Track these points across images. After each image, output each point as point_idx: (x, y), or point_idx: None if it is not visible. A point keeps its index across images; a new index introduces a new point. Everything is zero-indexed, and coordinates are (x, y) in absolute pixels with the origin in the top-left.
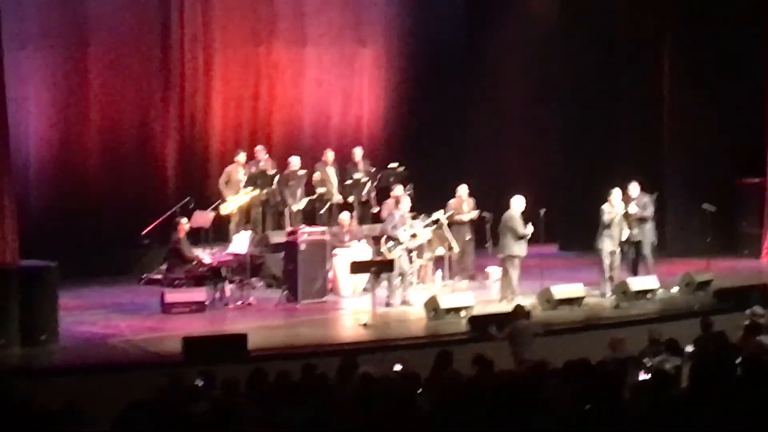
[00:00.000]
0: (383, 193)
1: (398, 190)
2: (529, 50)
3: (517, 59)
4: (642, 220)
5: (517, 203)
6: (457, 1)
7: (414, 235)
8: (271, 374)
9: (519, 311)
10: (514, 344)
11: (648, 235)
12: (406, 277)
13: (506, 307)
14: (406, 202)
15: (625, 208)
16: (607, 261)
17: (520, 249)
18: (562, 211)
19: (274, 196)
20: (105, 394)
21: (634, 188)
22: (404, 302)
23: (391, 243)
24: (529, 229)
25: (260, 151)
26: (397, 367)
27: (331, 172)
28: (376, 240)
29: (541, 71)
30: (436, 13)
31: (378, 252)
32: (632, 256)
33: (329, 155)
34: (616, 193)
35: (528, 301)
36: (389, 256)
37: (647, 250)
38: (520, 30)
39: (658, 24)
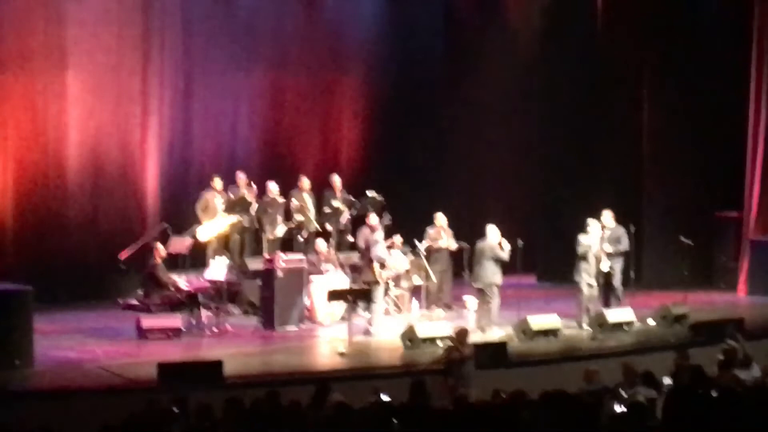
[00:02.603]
0: (360, 222)
1: (373, 218)
2: (509, 80)
3: (496, 90)
4: (616, 254)
5: (493, 232)
6: (436, 30)
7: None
8: (247, 401)
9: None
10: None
11: (618, 267)
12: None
13: (482, 336)
14: (379, 231)
15: (600, 237)
16: (584, 292)
17: (500, 277)
18: (541, 242)
19: (252, 223)
20: (79, 419)
21: (607, 218)
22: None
23: (381, 268)
24: (506, 252)
25: (240, 177)
26: (378, 396)
27: (308, 199)
28: (354, 268)
29: (521, 102)
30: (415, 42)
31: (365, 279)
32: (603, 287)
33: (305, 182)
34: (593, 225)
35: (505, 331)
36: (381, 281)
37: (617, 282)
38: (500, 60)
39: (639, 57)
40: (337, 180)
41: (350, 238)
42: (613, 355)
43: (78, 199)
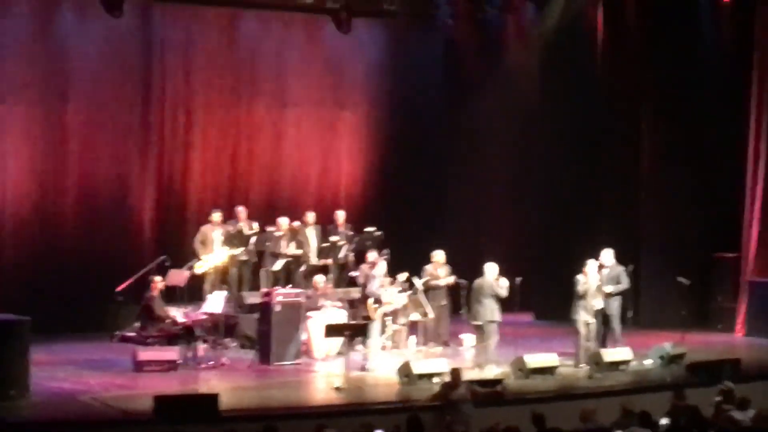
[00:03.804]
0: (360, 257)
1: (372, 255)
2: (508, 118)
3: (495, 127)
4: (616, 292)
5: (491, 270)
6: (437, 66)
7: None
8: None
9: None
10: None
11: (616, 306)
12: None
13: (480, 374)
14: (381, 267)
15: (599, 277)
16: (582, 331)
17: (498, 315)
18: (538, 280)
19: (251, 257)
20: None
21: (606, 256)
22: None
23: (377, 304)
24: (505, 284)
25: (240, 211)
26: None
27: (311, 234)
28: (352, 303)
29: (520, 141)
30: (416, 78)
31: (361, 314)
32: (600, 326)
33: (309, 216)
34: (591, 265)
35: (501, 369)
36: (375, 317)
37: (615, 322)
38: (500, 97)
39: (638, 96)
40: (340, 215)
41: (350, 273)
42: (610, 395)
43: (76, 230)
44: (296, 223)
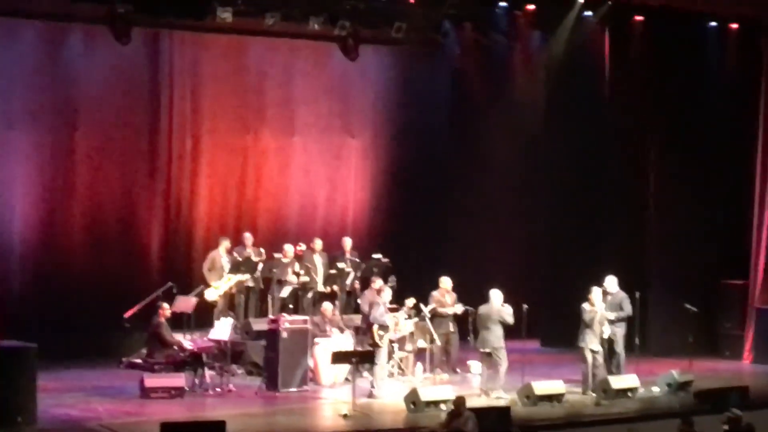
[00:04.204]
0: (366, 284)
1: (377, 281)
2: (515, 147)
3: (501, 154)
4: (618, 320)
5: (497, 297)
6: (444, 93)
7: (396, 324)
8: None
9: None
10: None
11: (621, 333)
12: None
13: (486, 401)
14: (387, 294)
15: (604, 305)
16: (589, 359)
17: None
18: (545, 307)
19: (258, 283)
20: None
21: (610, 283)
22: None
23: (381, 331)
24: (509, 310)
25: (247, 238)
26: None
27: (318, 261)
28: (358, 330)
29: (527, 167)
30: (422, 105)
31: (367, 341)
32: (607, 353)
33: (317, 243)
34: (596, 292)
35: (508, 396)
36: (381, 344)
37: (620, 348)
38: (505, 125)
39: (644, 126)
40: (347, 242)
41: (357, 300)
42: (617, 422)
43: (83, 256)
44: (300, 246)
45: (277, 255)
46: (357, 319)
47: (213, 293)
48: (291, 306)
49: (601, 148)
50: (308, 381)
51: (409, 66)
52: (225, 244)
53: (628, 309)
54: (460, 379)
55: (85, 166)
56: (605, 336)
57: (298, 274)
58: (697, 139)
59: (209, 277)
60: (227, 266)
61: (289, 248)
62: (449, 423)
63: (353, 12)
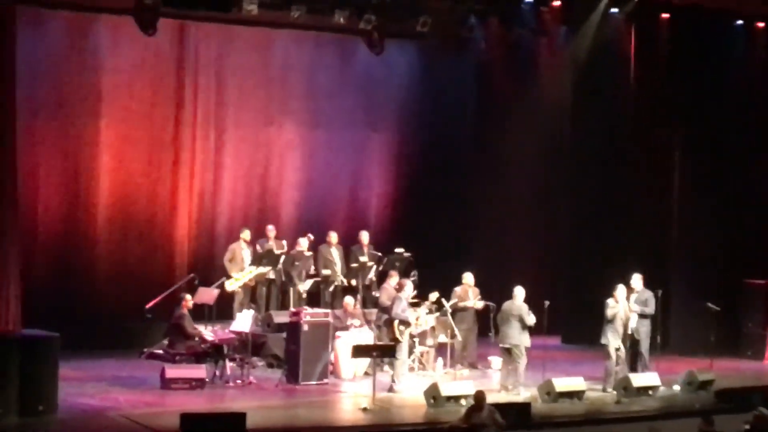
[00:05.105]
0: (382, 278)
1: (395, 277)
2: (539, 140)
3: (526, 149)
4: (642, 317)
5: (521, 293)
6: (469, 88)
7: (417, 319)
8: None
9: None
10: None
11: (645, 331)
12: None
13: (506, 396)
14: (408, 288)
15: (627, 303)
16: (611, 356)
17: (527, 339)
18: (567, 304)
19: (280, 276)
20: None
21: (636, 281)
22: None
23: (402, 326)
24: (533, 319)
25: (270, 230)
26: None
27: (336, 254)
28: (380, 324)
29: (550, 163)
30: (447, 99)
31: (388, 336)
32: (629, 351)
33: (333, 237)
34: (620, 289)
35: (529, 392)
36: (401, 339)
37: (644, 347)
38: (531, 119)
39: (669, 123)
40: (365, 236)
41: (376, 294)
42: (638, 420)
43: (106, 246)
44: (309, 237)
45: (298, 248)
46: (374, 313)
47: (233, 284)
48: (311, 299)
49: (626, 144)
50: (329, 374)
51: (434, 60)
52: (245, 234)
53: (651, 307)
54: (480, 374)
55: (108, 156)
56: (631, 327)
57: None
58: (721, 137)
59: (230, 268)
60: (248, 257)
61: (303, 241)
62: (469, 417)
63: (379, 6)
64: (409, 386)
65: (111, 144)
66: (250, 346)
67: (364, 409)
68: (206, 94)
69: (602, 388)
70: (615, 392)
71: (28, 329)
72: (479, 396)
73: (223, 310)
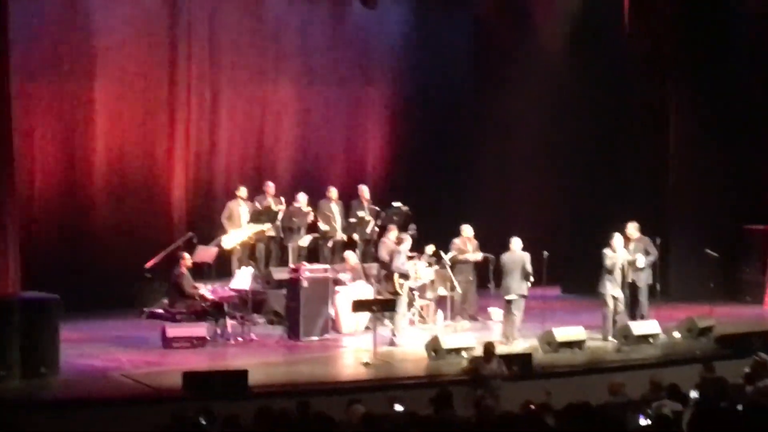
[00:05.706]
0: (382, 232)
1: (393, 230)
2: (536, 93)
3: (523, 101)
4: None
5: (518, 244)
6: (464, 41)
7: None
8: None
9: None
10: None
11: (644, 279)
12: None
13: (507, 347)
14: (407, 242)
15: (626, 250)
16: (610, 305)
17: (526, 288)
18: (565, 254)
19: (278, 232)
20: (104, 428)
21: (632, 229)
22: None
23: (402, 280)
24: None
25: (269, 186)
26: (398, 407)
27: (335, 209)
28: (372, 278)
29: (548, 115)
30: (443, 54)
31: (387, 289)
32: (628, 299)
33: (332, 192)
34: (616, 238)
35: (529, 343)
36: (401, 292)
37: (643, 295)
38: (528, 73)
39: (667, 70)
40: (365, 190)
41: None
42: (639, 368)
43: (104, 207)
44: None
45: (296, 204)
46: (374, 267)
47: (230, 241)
48: (311, 255)
49: (624, 93)
50: (329, 329)
51: (429, 14)
52: (242, 192)
53: (654, 252)
54: (480, 326)
55: (104, 116)
56: (639, 264)
57: (315, 223)
58: (719, 84)
59: (228, 226)
60: (245, 215)
61: (302, 197)
62: (477, 369)
63: None
64: (410, 340)
65: (106, 104)
66: (250, 304)
67: (366, 364)
68: (200, 52)
69: (602, 337)
70: (615, 341)
71: (28, 292)
72: (489, 347)
73: (222, 268)
